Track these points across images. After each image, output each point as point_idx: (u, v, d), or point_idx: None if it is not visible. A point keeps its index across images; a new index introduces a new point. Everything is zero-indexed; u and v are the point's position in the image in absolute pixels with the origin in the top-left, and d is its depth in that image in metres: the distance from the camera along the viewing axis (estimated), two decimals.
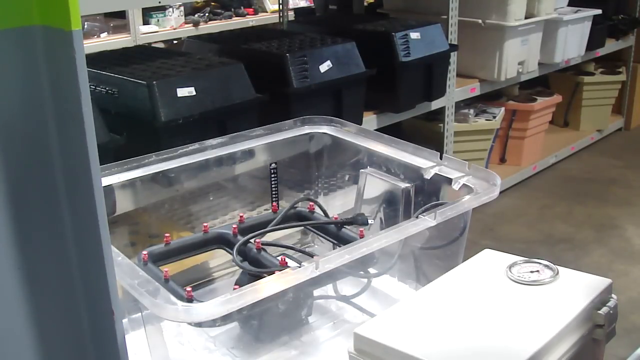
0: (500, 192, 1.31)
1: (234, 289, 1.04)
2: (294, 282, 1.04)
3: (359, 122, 2.63)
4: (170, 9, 4.59)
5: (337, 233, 1.38)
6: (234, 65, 2.14)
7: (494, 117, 3.73)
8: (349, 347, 1.00)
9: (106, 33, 4.39)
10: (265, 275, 1.15)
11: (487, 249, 1.19)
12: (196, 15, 4.76)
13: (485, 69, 3.57)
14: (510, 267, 1.11)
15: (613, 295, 1.07)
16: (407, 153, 1.45)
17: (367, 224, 1.39)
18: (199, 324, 1.10)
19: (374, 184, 1.49)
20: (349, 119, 1.69)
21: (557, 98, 4.20)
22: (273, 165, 1.54)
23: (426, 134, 3.52)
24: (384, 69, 2.69)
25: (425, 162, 1.41)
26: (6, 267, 0.71)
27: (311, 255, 1.25)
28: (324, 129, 1.61)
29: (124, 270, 1.00)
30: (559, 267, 1.10)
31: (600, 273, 1.09)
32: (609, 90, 4.67)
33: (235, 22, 4.91)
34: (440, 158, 1.41)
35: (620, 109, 4.91)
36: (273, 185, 1.54)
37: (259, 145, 1.54)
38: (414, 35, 2.82)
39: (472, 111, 3.69)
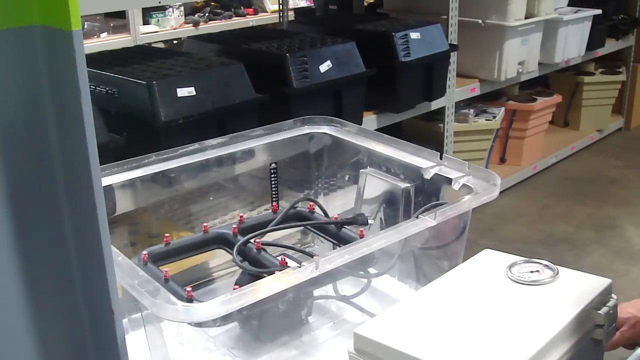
0: (500, 192, 1.31)
1: (234, 289, 1.04)
2: (294, 282, 1.04)
3: (359, 122, 2.63)
4: (170, 9, 4.59)
5: (337, 233, 1.38)
6: (234, 65, 2.14)
7: (494, 117, 3.73)
8: (349, 347, 1.00)
9: (106, 33, 4.39)
10: (265, 275, 1.15)
11: (487, 249, 1.19)
12: (196, 15, 4.76)
13: (485, 69, 3.57)
14: (510, 267, 1.11)
15: (613, 295, 1.07)
16: (407, 153, 1.45)
17: (367, 224, 1.39)
18: (199, 324, 1.10)
19: (374, 184, 1.49)
20: (349, 119, 1.69)
21: (557, 98, 4.20)
22: (273, 165, 1.54)
23: (426, 134, 3.52)
24: (384, 69, 2.69)
25: (425, 162, 1.41)
26: (6, 267, 0.71)
27: (311, 255, 1.25)
28: (324, 129, 1.61)
29: (124, 270, 1.00)
30: (559, 267, 1.10)
31: (600, 273, 1.09)
32: (609, 90, 4.67)
33: (235, 22, 4.91)
34: (440, 158, 1.41)
35: (620, 109, 4.91)
36: (273, 185, 1.54)
37: (259, 145, 1.54)
38: (414, 35, 2.83)
39: (472, 111, 3.69)
